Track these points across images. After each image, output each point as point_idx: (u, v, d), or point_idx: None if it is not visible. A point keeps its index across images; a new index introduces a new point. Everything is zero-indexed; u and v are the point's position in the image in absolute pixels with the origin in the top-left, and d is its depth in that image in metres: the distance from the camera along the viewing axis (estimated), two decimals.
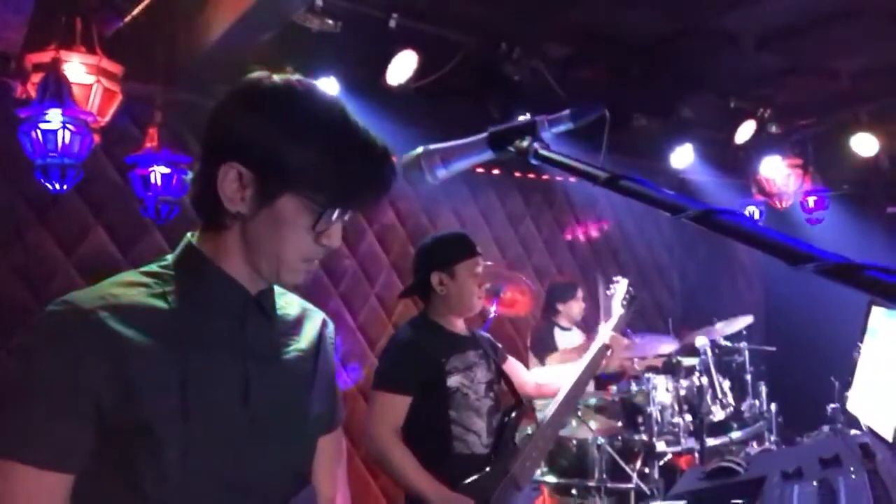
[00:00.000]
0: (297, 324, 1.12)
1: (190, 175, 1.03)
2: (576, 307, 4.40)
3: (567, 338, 4.35)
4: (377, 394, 2.17)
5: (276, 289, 1.10)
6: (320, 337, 1.14)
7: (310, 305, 1.18)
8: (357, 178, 0.96)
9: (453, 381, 2.16)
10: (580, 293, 4.43)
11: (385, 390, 2.15)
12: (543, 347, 4.24)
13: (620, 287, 2.68)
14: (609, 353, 2.45)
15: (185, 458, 0.92)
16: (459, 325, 2.32)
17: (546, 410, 2.40)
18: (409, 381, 2.14)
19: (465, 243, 2.30)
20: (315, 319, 1.16)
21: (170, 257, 1.04)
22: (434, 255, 2.29)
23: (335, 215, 0.97)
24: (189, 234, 1.05)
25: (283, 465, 1.04)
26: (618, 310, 2.62)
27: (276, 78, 0.98)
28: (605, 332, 2.48)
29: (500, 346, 2.47)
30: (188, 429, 0.92)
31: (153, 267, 1.02)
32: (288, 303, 1.13)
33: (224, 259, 1.01)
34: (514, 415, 2.25)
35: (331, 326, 1.19)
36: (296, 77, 0.99)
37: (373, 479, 4.26)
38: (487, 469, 2.13)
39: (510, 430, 2.23)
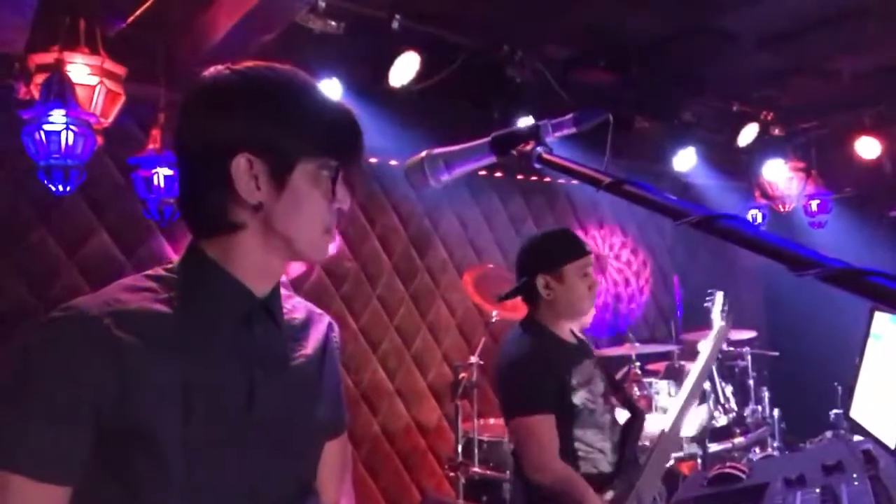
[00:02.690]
0: (303, 328, 1.11)
1: (179, 197, 1.02)
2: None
3: None
4: (526, 420, 1.96)
5: (283, 292, 1.09)
6: (326, 341, 1.13)
7: (315, 309, 1.17)
8: (344, 124, 1.01)
9: (578, 398, 1.99)
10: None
11: (532, 413, 1.95)
12: None
13: (718, 299, 2.68)
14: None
15: (188, 466, 0.91)
16: (567, 331, 2.14)
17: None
18: (550, 398, 1.96)
19: (573, 242, 2.12)
20: (321, 323, 1.15)
21: (175, 261, 1.03)
22: (539, 255, 2.11)
23: (339, 172, 0.99)
24: (195, 238, 1.03)
25: (288, 473, 1.03)
26: (718, 322, 2.60)
27: (234, 66, 1.00)
28: (706, 352, 2.43)
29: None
30: (191, 435, 0.91)
31: (159, 271, 1.01)
32: (294, 306, 1.12)
33: (232, 262, 0.99)
34: (634, 428, 2.10)
35: (336, 330, 1.18)
36: (248, 62, 1.02)
37: (373, 481, 4.25)
38: (615, 486, 1.99)
39: (632, 444, 2.08)
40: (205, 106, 0.99)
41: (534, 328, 2.10)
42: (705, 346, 2.49)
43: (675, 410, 2.24)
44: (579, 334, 2.22)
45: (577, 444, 1.97)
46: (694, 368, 2.40)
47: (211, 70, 1.00)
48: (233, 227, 0.97)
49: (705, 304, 2.82)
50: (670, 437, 2.19)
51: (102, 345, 0.89)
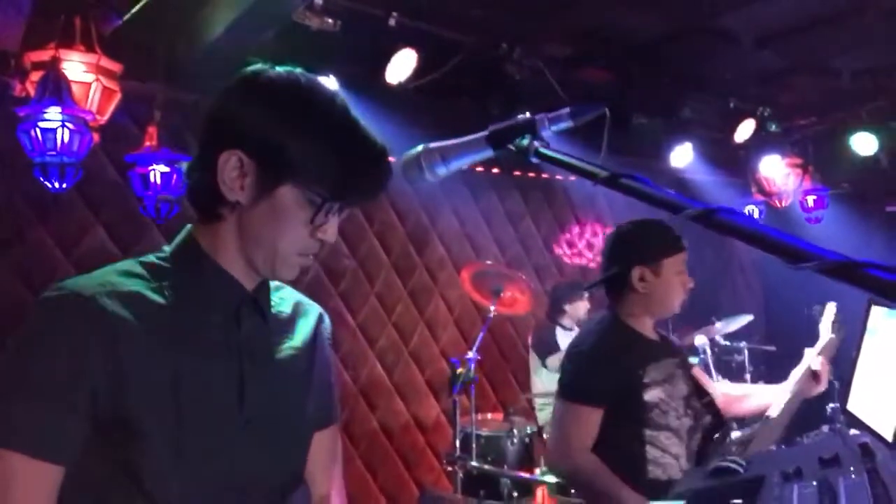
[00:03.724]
0: (292, 320, 1.11)
1: (187, 165, 1.02)
2: (582, 307, 4.41)
3: (568, 338, 4.36)
4: (567, 405, 1.90)
5: (273, 283, 1.09)
6: (316, 332, 1.13)
7: (306, 299, 1.17)
8: (357, 173, 0.96)
9: (651, 395, 1.87)
10: (586, 293, 4.45)
11: (575, 402, 1.89)
12: (546, 347, 4.25)
13: (829, 310, 2.46)
14: (816, 380, 2.18)
15: (179, 457, 0.91)
16: (650, 328, 2.03)
17: (755, 436, 2.15)
18: (603, 393, 1.86)
19: (672, 235, 2.01)
20: (311, 315, 1.15)
21: (168, 249, 1.03)
22: (638, 246, 1.99)
23: (334, 209, 0.97)
24: (189, 226, 1.03)
25: (278, 465, 1.04)
26: (825, 334, 2.38)
27: (280, 70, 0.98)
28: (812, 356, 2.22)
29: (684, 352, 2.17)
30: (180, 428, 0.92)
31: (151, 258, 1.01)
32: (283, 298, 1.12)
33: (221, 254, 0.99)
34: (717, 436, 1.96)
35: (327, 321, 1.18)
36: (299, 70, 0.99)
37: (372, 478, 4.26)
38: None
39: (712, 455, 1.91)
40: (228, 92, 0.99)
41: (610, 321, 2.01)
42: (805, 363, 2.28)
43: (766, 427, 2.11)
44: (664, 333, 2.13)
45: (647, 448, 1.85)
46: (786, 386, 2.23)
47: (260, 65, 0.99)
48: (215, 216, 0.98)
49: (812, 314, 2.54)
50: (772, 431, 2.06)
51: (97, 324, 0.89)
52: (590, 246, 5.48)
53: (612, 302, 2.03)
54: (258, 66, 0.99)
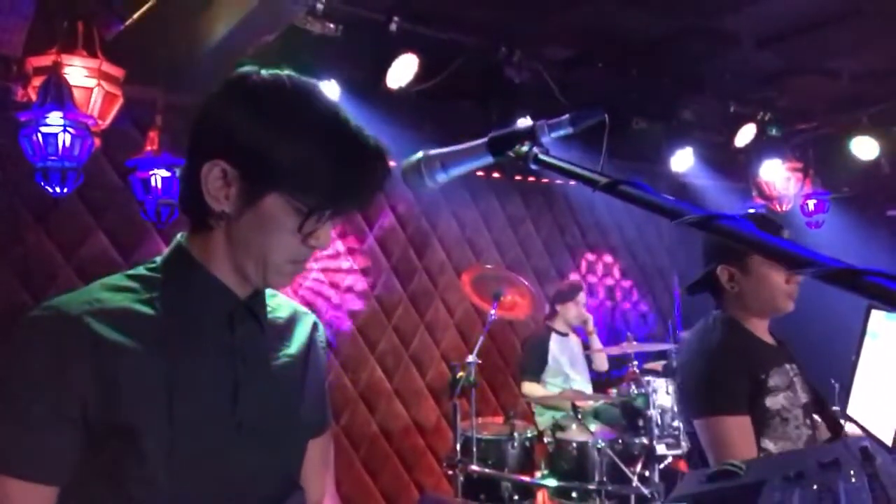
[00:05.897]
0: (286, 327, 1.10)
1: (179, 172, 1.02)
2: (572, 310, 4.41)
3: (563, 343, 4.35)
4: (718, 422, 1.71)
5: (268, 290, 1.08)
6: (310, 340, 1.13)
7: (300, 307, 1.16)
8: (347, 180, 0.93)
9: (773, 401, 1.75)
10: (581, 297, 4.44)
11: (724, 414, 1.71)
12: (536, 361, 4.25)
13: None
14: None
15: (173, 465, 0.91)
16: (763, 329, 1.88)
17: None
18: (741, 397, 1.71)
19: (765, 228, 1.74)
20: (305, 322, 1.14)
21: (158, 259, 1.02)
22: (721, 243, 1.85)
23: (324, 217, 0.94)
24: (179, 236, 1.02)
25: (273, 471, 1.03)
26: None
27: (266, 73, 0.94)
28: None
29: None
30: (174, 434, 0.91)
31: (140, 270, 1.00)
32: (278, 305, 1.12)
33: (213, 262, 0.98)
34: None
35: (321, 329, 1.17)
36: (286, 73, 0.95)
37: (373, 481, 4.25)
38: None
39: None
40: (212, 99, 0.96)
41: (724, 322, 1.85)
42: None
43: None
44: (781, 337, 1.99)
45: (761, 456, 1.75)
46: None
47: (247, 68, 0.96)
48: (205, 225, 0.97)
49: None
50: None
51: (84, 343, 0.88)
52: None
53: (718, 303, 1.91)
54: (243, 70, 0.95)
